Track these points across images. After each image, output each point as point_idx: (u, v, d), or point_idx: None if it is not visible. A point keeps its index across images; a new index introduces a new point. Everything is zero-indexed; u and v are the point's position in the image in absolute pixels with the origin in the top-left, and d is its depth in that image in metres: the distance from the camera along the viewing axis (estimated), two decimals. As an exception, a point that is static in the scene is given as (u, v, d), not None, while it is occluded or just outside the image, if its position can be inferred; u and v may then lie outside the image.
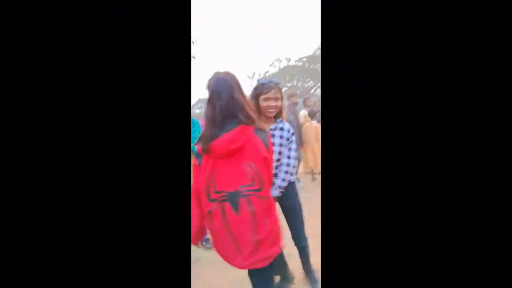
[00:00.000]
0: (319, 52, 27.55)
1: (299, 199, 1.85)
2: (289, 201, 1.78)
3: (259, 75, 31.39)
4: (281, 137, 1.72)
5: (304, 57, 28.84)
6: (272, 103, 1.69)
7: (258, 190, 1.30)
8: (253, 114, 1.34)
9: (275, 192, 1.66)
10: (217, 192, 1.29)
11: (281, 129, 1.74)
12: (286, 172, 1.70)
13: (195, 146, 1.33)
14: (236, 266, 1.38)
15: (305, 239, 1.91)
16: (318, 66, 27.28)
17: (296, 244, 1.88)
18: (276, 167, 1.69)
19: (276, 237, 1.35)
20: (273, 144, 1.63)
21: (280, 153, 1.72)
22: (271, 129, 1.71)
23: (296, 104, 4.46)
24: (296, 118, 4.56)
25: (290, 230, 1.82)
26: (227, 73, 1.36)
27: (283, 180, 1.69)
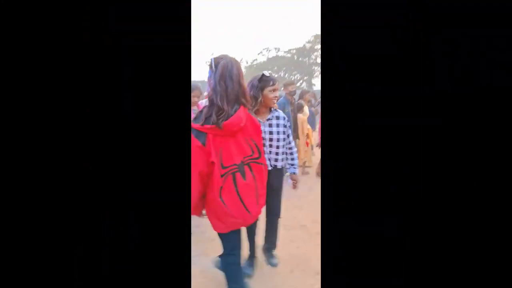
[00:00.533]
0: (308, 45, 27.76)
1: (282, 181, 2.21)
2: (278, 181, 2.11)
3: (247, 62, 32.03)
4: (278, 125, 2.01)
5: (293, 49, 28.91)
6: (276, 93, 1.97)
7: (257, 158, 1.61)
8: (249, 99, 1.62)
9: (297, 171, 2.18)
10: (225, 167, 1.48)
11: (277, 117, 2.02)
12: (297, 152, 2.17)
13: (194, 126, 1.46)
14: (248, 224, 1.68)
15: (280, 213, 2.22)
16: (306, 59, 27.67)
17: (272, 215, 2.21)
18: (290, 148, 2.14)
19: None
20: (271, 132, 1.99)
21: (278, 140, 2.02)
22: (269, 119, 1.99)
23: (294, 93, 4.28)
24: (294, 109, 4.43)
25: (270, 204, 2.09)
26: (235, 60, 1.54)
27: (297, 160, 2.17)
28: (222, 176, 1.47)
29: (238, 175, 1.53)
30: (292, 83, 4.38)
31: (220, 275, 1.84)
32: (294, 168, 2.18)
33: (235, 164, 1.51)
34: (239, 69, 1.51)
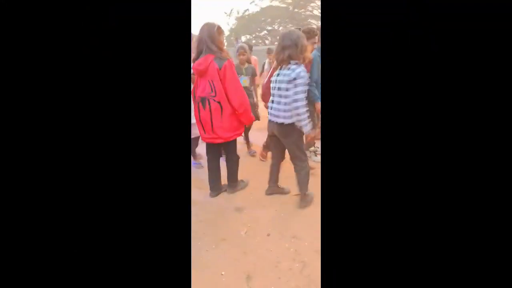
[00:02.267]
0: None
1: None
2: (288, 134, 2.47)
3: (238, 12, 30.64)
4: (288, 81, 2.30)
5: None
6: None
7: (214, 96, 2.38)
8: (215, 49, 2.35)
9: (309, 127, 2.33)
10: (197, 97, 2.47)
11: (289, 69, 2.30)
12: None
13: None
14: (203, 140, 2.68)
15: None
16: (302, 11, 25.94)
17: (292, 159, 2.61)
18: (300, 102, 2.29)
19: (227, 129, 2.55)
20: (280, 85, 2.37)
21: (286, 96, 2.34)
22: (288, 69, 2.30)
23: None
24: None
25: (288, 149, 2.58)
26: (210, 22, 2.37)
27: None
28: (196, 102, 2.47)
29: (200, 104, 2.43)
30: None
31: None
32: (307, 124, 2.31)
33: (200, 97, 2.42)
34: (209, 27, 2.33)
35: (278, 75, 2.36)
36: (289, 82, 2.22)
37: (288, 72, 2.24)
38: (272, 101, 2.42)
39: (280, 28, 27.83)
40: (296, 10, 26.66)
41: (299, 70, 2.19)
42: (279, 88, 2.31)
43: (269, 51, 6.11)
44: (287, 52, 2.21)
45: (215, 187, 2.87)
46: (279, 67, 2.36)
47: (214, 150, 2.78)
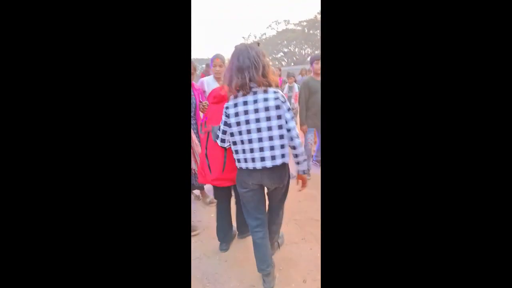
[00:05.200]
0: (319, 17, 41.81)
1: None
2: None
3: (255, 37, 32.15)
4: None
5: (304, 21, 28.56)
6: None
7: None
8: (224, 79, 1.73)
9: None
10: (206, 126, 1.98)
11: None
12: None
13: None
14: (204, 182, 2.06)
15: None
16: (318, 32, 26.47)
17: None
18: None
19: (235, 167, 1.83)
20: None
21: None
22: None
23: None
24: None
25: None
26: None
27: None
28: (202, 133, 2.00)
29: (210, 134, 1.89)
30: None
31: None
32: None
33: (212, 126, 1.86)
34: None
35: (244, 104, 1.62)
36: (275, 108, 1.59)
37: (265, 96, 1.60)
38: (242, 142, 1.68)
39: (296, 49, 29.02)
40: (311, 31, 27.57)
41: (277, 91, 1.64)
42: (256, 120, 1.60)
43: (288, 75, 5.77)
44: (247, 75, 1.56)
45: (227, 238, 2.31)
46: (235, 95, 1.65)
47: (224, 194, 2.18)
